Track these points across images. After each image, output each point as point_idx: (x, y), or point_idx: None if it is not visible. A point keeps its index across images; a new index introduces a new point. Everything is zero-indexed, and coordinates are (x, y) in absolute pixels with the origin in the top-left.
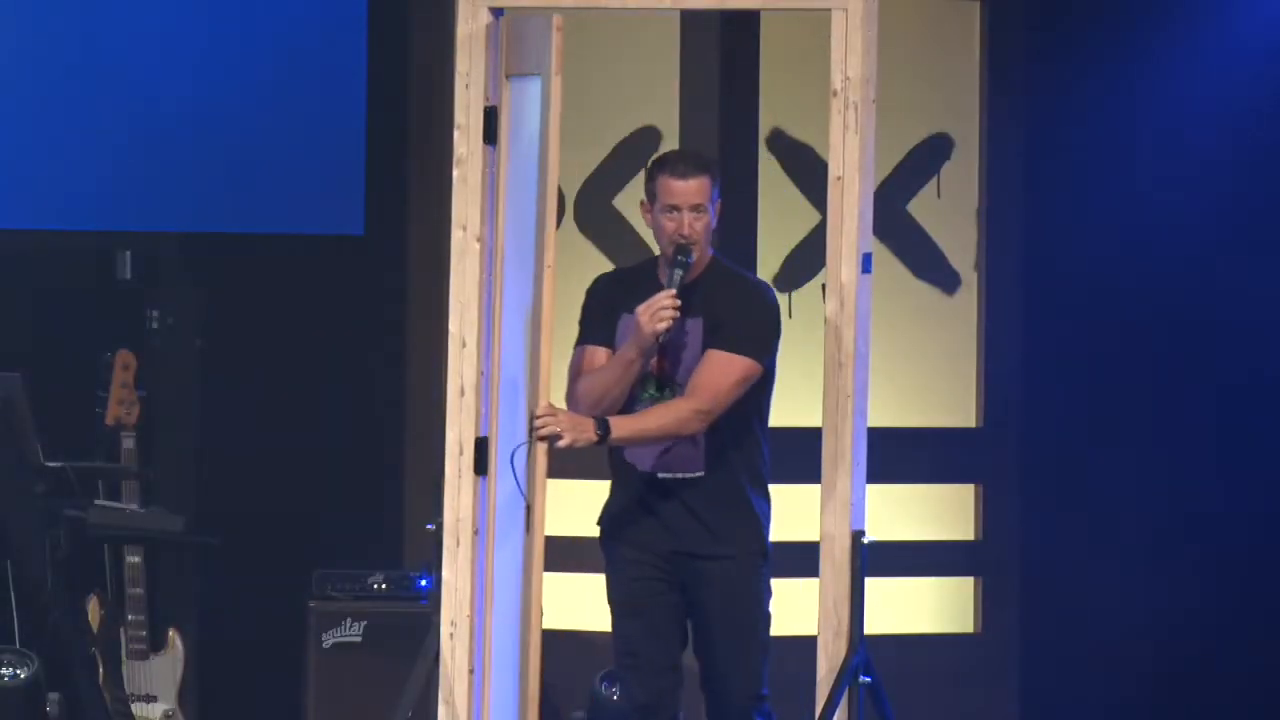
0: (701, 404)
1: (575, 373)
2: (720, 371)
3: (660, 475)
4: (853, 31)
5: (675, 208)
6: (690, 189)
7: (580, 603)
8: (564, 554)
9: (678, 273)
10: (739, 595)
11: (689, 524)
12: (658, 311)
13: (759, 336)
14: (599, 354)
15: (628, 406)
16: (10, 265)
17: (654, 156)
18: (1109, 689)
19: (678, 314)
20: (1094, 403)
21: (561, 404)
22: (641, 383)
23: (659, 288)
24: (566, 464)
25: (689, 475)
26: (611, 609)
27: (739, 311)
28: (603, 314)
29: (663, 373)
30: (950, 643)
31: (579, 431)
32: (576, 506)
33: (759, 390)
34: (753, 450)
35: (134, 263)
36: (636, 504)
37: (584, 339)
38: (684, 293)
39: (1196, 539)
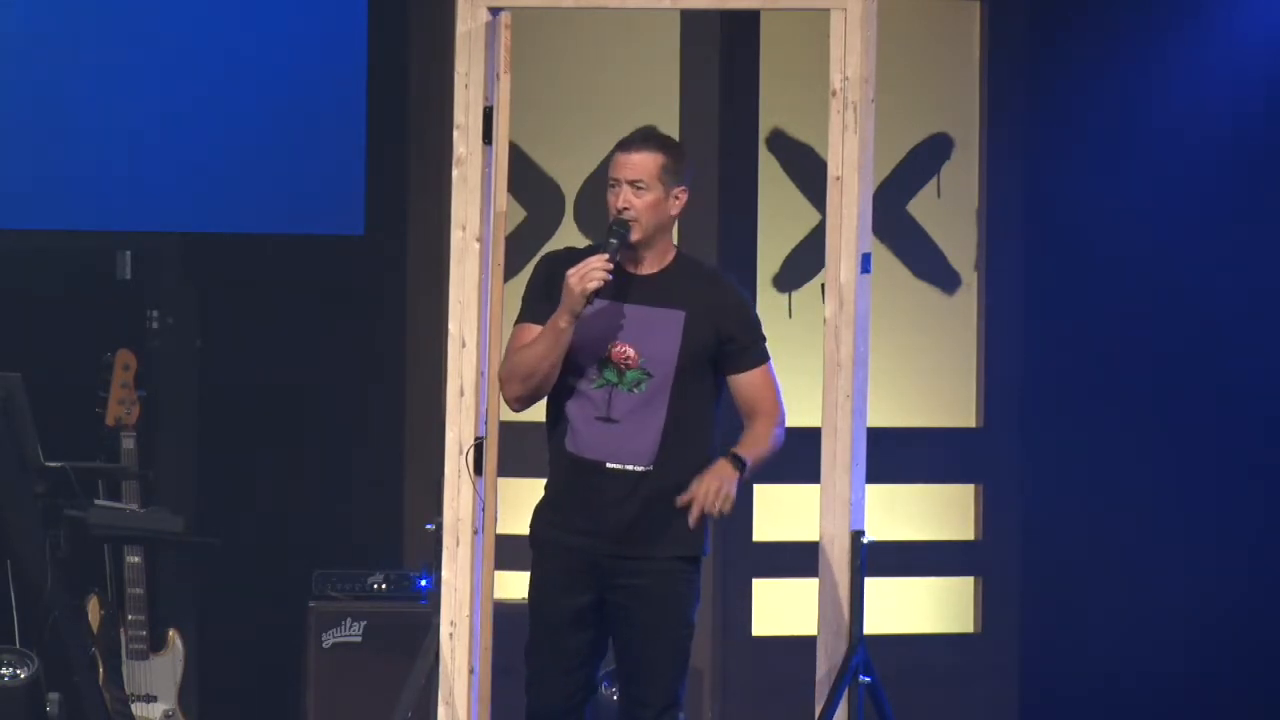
0: (782, 420)
1: (510, 351)
2: (773, 383)
3: (610, 465)
4: (852, 31)
5: (616, 181)
6: (631, 163)
7: None
8: None
9: (613, 242)
10: (668, 602)
11: (628, 521)
12: (589, 272)
13: (761, 331)
14: (533, 331)
15: (560, 389)
16: (10, 265)
17: None
18: (1109, 689)
19: (609, 277)
20: (1094, 403)
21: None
22: (599, 367)
23: (615, 269)
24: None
25: (638, 468)
26: (530, 609)
27: (749, 317)
28: (546, 292)
29: (625, 359)
30: (950, 643)
31: (728, 483)
32: None
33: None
34: (708, 442)
35: (134, 263)
36: (575, 497)
37: (524, 316)
38: (658, 283)
39: (1197, 538)
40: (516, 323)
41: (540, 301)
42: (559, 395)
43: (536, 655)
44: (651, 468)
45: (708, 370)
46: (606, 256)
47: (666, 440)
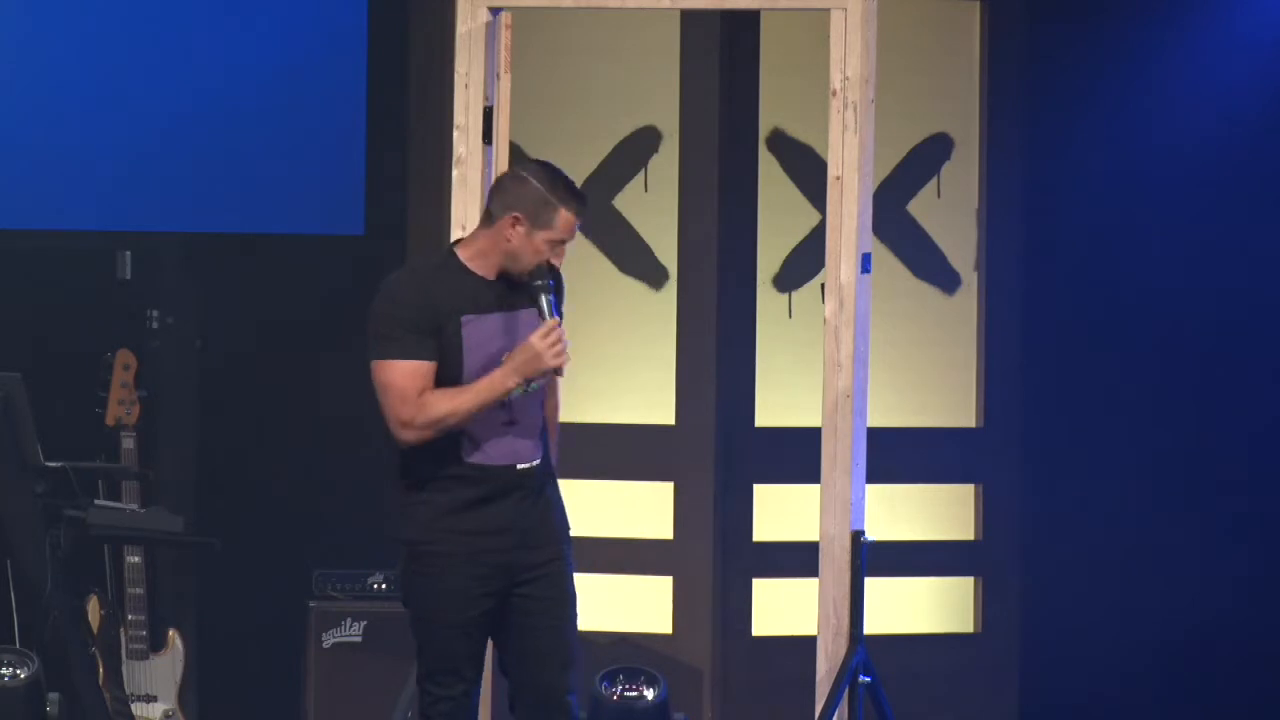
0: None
1: (409, 390)
2: None
3: (520, 466)
4: (852, 31)
5: (564, 242)
6: (576, 226)
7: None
8: None
9: (548, 298)
10: (569, 587)
11: (536, 515)
12: (556, 345)
13: None
14: (424, 369)
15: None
16: (10, 265)
17: (542, 174)
18: (1109, 689)
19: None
20: (1094, 402)
21: None
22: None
23: (478, 281)
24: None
25: (536, 462)
26: (430, 621)
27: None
28: (425, 325)
29: None
30: (950, 643)
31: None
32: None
33: None
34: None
35: (134, 263)
36: (488, 506)
37: (401, 353)
38: (507, 288)
39: (1196, 538)
40: (388, 359)
41: (420, 335)
42: None
43: (441, 667)
44: (540, 459)
45: None
46: (558, 321)
47: (542, 429)
